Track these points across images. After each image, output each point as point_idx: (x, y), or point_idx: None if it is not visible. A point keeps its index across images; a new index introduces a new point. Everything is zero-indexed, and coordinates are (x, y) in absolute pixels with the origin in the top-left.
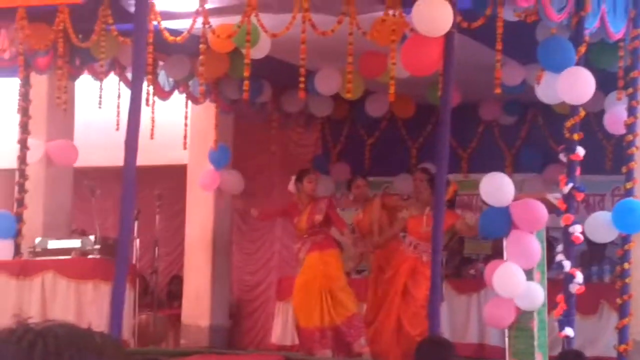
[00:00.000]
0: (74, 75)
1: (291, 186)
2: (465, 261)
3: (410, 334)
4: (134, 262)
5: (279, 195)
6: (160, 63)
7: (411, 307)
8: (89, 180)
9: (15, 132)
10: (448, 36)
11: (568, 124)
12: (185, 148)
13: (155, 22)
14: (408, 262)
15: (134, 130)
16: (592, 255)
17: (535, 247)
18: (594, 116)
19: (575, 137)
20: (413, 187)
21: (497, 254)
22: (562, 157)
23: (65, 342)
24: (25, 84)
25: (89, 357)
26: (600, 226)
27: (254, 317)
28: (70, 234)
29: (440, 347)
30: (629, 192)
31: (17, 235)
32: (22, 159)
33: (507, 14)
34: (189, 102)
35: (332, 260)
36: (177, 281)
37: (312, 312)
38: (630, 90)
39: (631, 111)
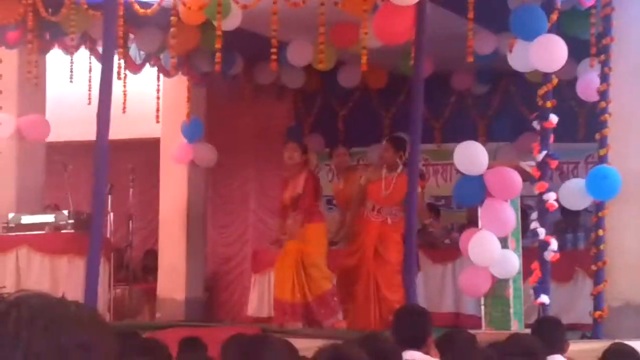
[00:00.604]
0: (44, 50)
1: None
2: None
3: (388, 298)
4: (108, 236)
5: (253, 167)
6: (131, 36)
7: (387, 272)
8: (61, 155)
9: None
10: (419, 5)
11: (541, 91)
12: (158, 121)
13: None
14: (373, 226)
15: (105, 104)
16: (566, 222)
17: (510, 215)
18: (566, 84)
19: (548, 104)
20: (378, 155)
21: (472, 222)
22: (536, 125)
23: (39, 311)
24: None
25: (63, 325)
26: (574, 193)
27: (229, 289)
28: (44, 209)
29: (417, 316)
30: (602, 159)
31: None
32: None
33: None
34: (161, 75)
35: (312, 235)
36: (152, 255)
37: (285, 285)
38: (603, 57)
39: (604, 78)
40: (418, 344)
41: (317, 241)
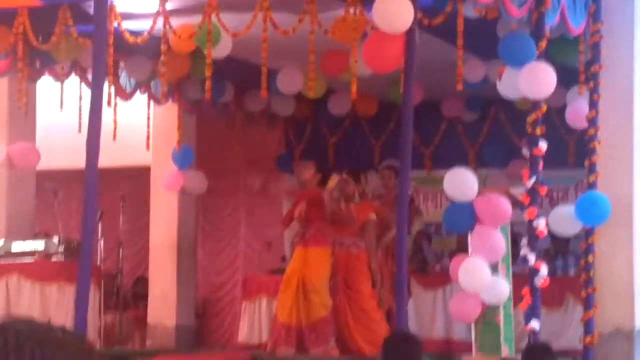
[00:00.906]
0: (34, 78)
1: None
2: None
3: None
4: (98, 263)
5: (243, 195)
6: (122, 64)
7: (363, 319)
8: (52, 183)
9: None
10: (409, 33)
11: (530, 118)
12: (148, 149)
13: (115, 24)
14: (340, 259)
15: (95, 131)
16: (556, 249)
17: (500, 242)
18: (555, 111)
19: (538, 131)
20: (382, 184)
21: (462, 249)
22: (525, 151)
23: (26, 337)
24: None
25: (50, 351)
26: (564, 219)
27: (220, 316)
28: (34, 237)
29: (408, 343)
30: (591, 186)
31: None
32: None
33: (468, 11)
34: (152, 103)
35: (314, 259)
36: (142, 282)
37: (284, 307)
38: (592, 84)
39: (592, 105)
40: None
41: (320, 266)
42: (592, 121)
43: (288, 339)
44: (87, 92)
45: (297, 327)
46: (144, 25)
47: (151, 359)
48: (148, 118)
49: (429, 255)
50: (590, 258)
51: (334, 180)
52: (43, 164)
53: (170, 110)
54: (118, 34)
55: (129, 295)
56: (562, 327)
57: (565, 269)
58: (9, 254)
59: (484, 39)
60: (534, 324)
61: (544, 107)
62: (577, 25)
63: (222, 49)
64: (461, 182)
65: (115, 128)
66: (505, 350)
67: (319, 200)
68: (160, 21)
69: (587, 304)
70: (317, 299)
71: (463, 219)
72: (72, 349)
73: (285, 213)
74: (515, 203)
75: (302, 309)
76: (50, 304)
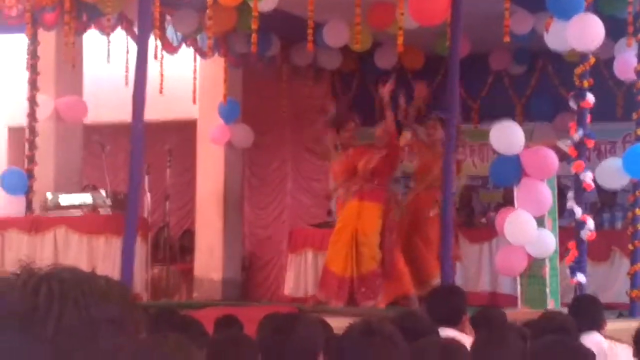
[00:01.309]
0: (81, 31)
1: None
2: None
3: None
4: (145, 216)
5: (290, 149)
6: (168, 17)
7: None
8: (99, 136)
9: (24, 90)
10: None
11: (578, 71)
12: (194, 102)
13: None
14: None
15: (141, 84)
16: (603, 202)
17: (546, 195)
18: (604, 63)
19: (585, 84)
20: (426, 134)
21: (508, 202)
22: (572, 104)
23: (70, 285)
24: (33, 41)
25: (93, 299)
26: (611, 173)
27: (266, 270)
28: (82, 190)
29: (453, 294)
30: (639, 138)
31: (29, 191)
32: (31, 116)
33: None
34: (198, 57)
35: (368, 214)
36: (189, 235)
37: (338, 259)
38: None
39: None
40: (453, 322)
41: (374, 221)
42: None
43: (341, 292)
44: (133, 46)
45: (350, 279)
46: None
47: (198, 311)
48: (195, 71)
49: (476, 208)
50: (637, 211)
51: (405, 137)
52: (90, 118)
53: (217, 63)
54: None
55: (176, 248)
56: (608, 281)
57: (612, 222)
58: (57, 207)
59: None
60: (580, 278)
61: (592, 60)
62: None
63: (269, 2)
64: (508, 135)
65: (162, 81)
66: (551, 304)
67: (397, 156)
68: None
69: (634, 257)
70: (367, 251)
71: (509, 172)
72: (115, 299)
73: (344, 165)
74: (563, 156)
75: (354, 261)
76: (98, 257)
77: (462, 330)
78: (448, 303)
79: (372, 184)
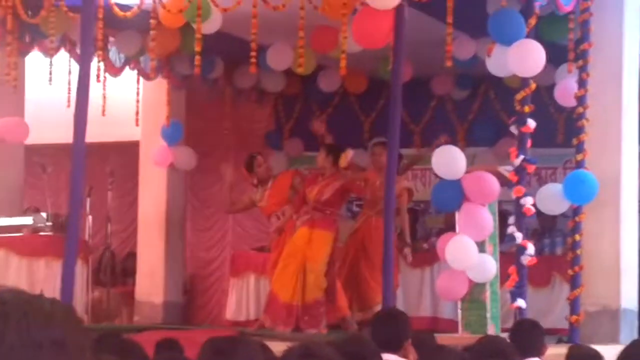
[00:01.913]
0: (24, 52)
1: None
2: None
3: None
4: (86, 238)
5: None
6: (111, 39)
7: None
8: (41, 158)
9: None
10: (398, 9)
11: (519, 96)
12: (137, 124)
13: None
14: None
15: (83, 106)
16: (543, 227)
17: (487, 220)
18: (544, 89)
19: (526, 109)
20: (372, 161)
21: (449, 227)
22: (513, 129)
23: (11, 307)
24: None
25: (36, 321)
26: (551, 198)
27: (208, 293)
28: (23, 212)
29: (395, 319)
30: (579, 164)
31: None
32: None
33: None
34: (141, 79)
35: (318, 242)
36: (130, 258)
37: (287, 286)
38: (581, 62)
39: (581, 83)
40: (395, 347)
41: (324, 249)
42: (581, 99)
43: (288, 320)
44: (76, 67)
45: (297, 307)
46: None
47: (139, 334)
48: (137, 93)
49: (419, 232)
50: (577, 237)
51: (346, 157)
52: (32, 139)
53: (160, 85)
54: (107, 8)
55: (118, 271)
56: (548, 306)
57: (552, 247)
58: None
59: (474, 16)
60: (521, 303)
61: (533, 85)
62: (567, 3)
63: (212, 24)
64: (450, 160)
65: (104, 103)
66: (491, 329)
67: (351, 189)
68: None
69: (574, 282)
70: (314, 279)
71: (451, 197)
72: (58, 321)
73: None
74: (503, 181)
75: (301, 289)
76: (38, 279)
77: (405, 356)
78: (390, 327)
79: (324, 213)
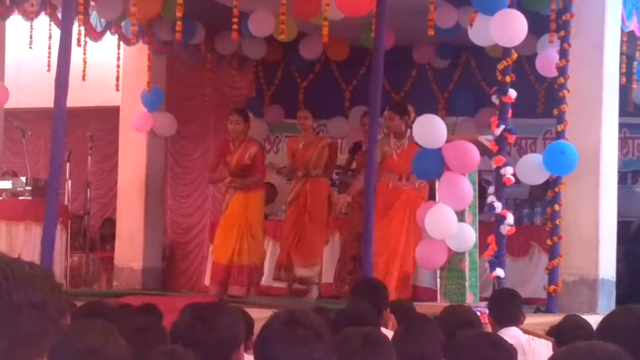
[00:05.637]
0: (4, 15)
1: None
2: None
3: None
4: (66, 203)
5: (213, 138)
6: (92, 3)
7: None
8: (20, 122)
9: None
10: None
11: (500, 66)
12: (117, 90)
13: None
14: (406, 194)
15: (64, 70)
16: (533, 197)
17: (467, 189)
18: (526, 59)
19: (508, 79)
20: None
21: (429, 195)
22: (495, 99)
23: None
24: None
25: (16, 284)
26: (531, 168)
27: (187, 259)
28: (1, 176)
29: (373, 289)
30: (560, 135)
31: None
32: None
33: None
34: (122, 44)
35: (254, 204)
36: (109, 223)
37: (224, 249)
38: (562, 33)
39: (563, 54)
40: None
41: (257, 209)
42: (562, 70)
43: (240, 278)
44: (57, 31)
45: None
46: None
47: (117, 300)
48: (118, 58)
49: None
50: (556, 207)
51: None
52: (11, 103)
53: (141, 51)
54: None
55: (97, 237)
56: (526, 276)
57: (531, 217)
58: None
59: None
60: (499, 272)
61: (515, 55)
62: None
63: None
64: (430, 129)
65: (84, 68)
66: (469, 298)
67: (260, 154)
68: None
69: (552, 253)
70: (254, 244)
71: (431, 166)
72: (38, 284)
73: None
74: (484, 151)
75: (240, 251)
76: (17, 243)
77: (384, 325)
78: (369, 297)
79: (249, 176)
